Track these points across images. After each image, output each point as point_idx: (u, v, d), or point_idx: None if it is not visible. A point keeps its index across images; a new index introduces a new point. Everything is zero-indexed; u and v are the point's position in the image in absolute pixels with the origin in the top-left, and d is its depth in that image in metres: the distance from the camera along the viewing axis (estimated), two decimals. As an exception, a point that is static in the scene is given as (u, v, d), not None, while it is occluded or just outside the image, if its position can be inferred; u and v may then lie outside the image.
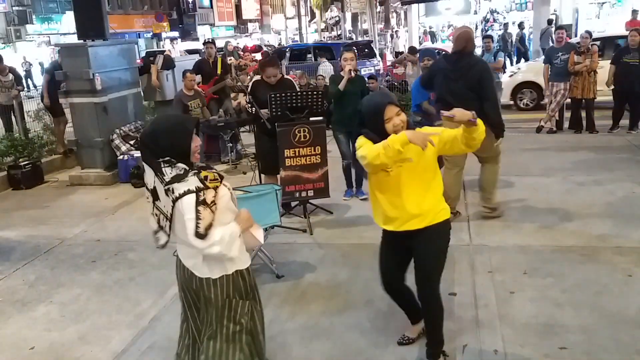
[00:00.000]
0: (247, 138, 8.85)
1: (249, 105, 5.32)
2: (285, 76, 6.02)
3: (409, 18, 25.94)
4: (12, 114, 8.96)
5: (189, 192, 2.32)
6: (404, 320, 3.54)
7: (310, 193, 5.40)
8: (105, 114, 7.29)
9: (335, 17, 32.20)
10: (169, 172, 2.36)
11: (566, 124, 9.03)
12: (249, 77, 11.35)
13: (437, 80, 5.01)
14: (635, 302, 3.59)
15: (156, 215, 2.54)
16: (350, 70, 5.51)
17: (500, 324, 3.43)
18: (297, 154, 5.25)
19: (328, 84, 6.53)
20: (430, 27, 30.60)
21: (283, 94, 5.17)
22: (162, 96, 8.98)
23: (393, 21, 33.81)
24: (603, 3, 22.99)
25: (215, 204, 2.38)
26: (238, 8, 47.54)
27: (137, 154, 7.29)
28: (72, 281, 4.46)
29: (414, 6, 24.76)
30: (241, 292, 2.59)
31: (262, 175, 5.56)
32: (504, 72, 9.25)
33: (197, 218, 2.31)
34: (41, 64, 26.31)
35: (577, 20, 20.75)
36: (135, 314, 3.87)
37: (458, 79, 4.77)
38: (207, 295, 2.60)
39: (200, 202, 2.32)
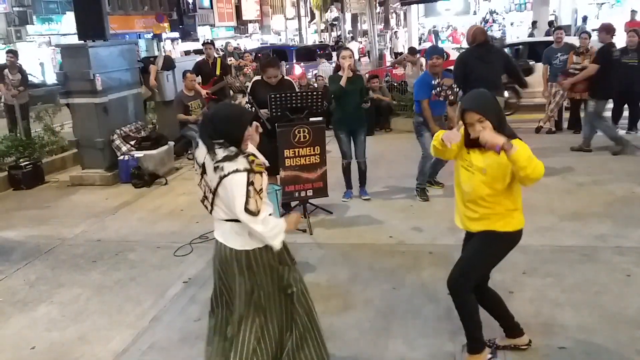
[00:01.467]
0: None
1: (249, 105, 5.32)
2: (285, 77, 6.02)
3: (408, 19, 25.93)
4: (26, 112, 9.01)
5: (237, 171, 2.51)
6: (404, 320, 3.55)
7: (310, 193, 5.41)
8: (106, 114, 7.30)
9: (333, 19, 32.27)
10: (220, 153, 2.56)
11: (565, 125, 9.04)
12: (248, 76, 11.36)
13: (472, 68, 5.77)
14: (634, 302, 3.59)
15: (202, 187, 2.72)
16: (349, 65, 5.53)
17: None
18: (296, 154, 5.26)
19: (327, 84, 6.53)
20: (434, 27, 30.59)
21: (283, 95, 5.18)
22: (160, 97, 8.98)
23: (392, 22, 33.81)
24: (602, 4, 23.01)
25: (262, 190, 2.56)
26: (238, 9, 47.54)
27: (138, 154, 7.31)
28: (73, 281, 4.47)
29: (414, 7, 24.77)
30: (274, 264, 2.71)
31: None
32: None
33: (247, 196, 2.49)
34: (42, 65, 26.32)
35: (576, 20, 20.77)
36: (136, 314, 3.88)
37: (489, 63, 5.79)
38: (238, 266, 2.69)
39: (250, 183, 2.51)
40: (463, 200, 2.96)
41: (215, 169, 2.55)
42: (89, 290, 4.29)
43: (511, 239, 2.98)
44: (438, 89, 5.55)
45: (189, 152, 8.41)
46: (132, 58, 8.06)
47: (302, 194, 5.39)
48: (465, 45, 21.64)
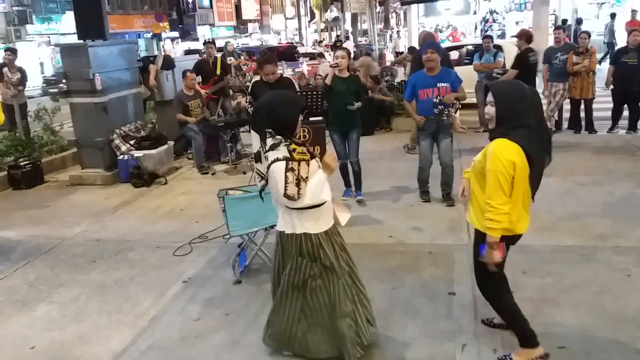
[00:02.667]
0: (247, 138, 8.86)
1: (249, 105, 5.33)
2: (285, 75, 6.02)
3: (408, 18, 25.92)
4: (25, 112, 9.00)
5: (277, 160, 2.77)
6: (404, 320, 3.56)
7: (310, 193, 5.40)
8: (105, 113, 7.29)
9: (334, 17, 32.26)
10: (269, 142, 2.82)
11: (565, 124, 9.04)
12: (247, 76, 11.37)
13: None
14: (634, 301, 3.59)
15: (257, 174, 3.01)
16: (335, 64, 5.52)
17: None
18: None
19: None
20: (437, 25, 30.54)
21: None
22: (160, 96, 8.98)
23: (392, 21, 33.79)
24: (602, 3, 23.01)
25: (307, 178, 2.80)
26: (238, 8, 47.53)
27: (137, 153, 7.30)
28: (72, 281, 4.47)
29: (414, 6, 24.74)
30: (307, 253, 2.93)
31: None
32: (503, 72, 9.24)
33: (285, 182, 2.74)
34: (41, 64, 26.31)
35: (576, 20, 20.75)
36: (135, 313, 3.87)
37: None
38: (285, 246, 3.03)
39: (289, 169, 2.75)
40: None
41: (266, 158, 2.83)
42: (89, 289, 4.29)
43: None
44: (440, 107, 5.38)
45: (189, 151, 8.40)
46: (131, 57, 8.06)
47: (302, 193, 5.38)
48: (464, 44, 21.66)
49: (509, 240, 2.89)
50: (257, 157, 2.93)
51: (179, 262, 4.69)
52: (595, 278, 3.95)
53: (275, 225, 4.40)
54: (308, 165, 2.82)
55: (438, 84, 5.40)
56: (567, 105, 8.95)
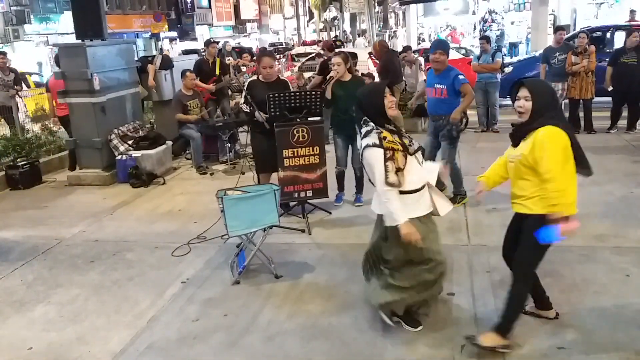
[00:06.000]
0: (245, 138, 8.84)
1: (246, 104, 5.30)
2: (282, 77, 5.98)
3: (407, 18, 25.97)
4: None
5: (367, 146, 3.05)
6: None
7: (309, 193, 5.40)
8: (104, 114, 7.28)
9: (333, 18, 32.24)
10: (363, 130, 3.13)
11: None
12: (246, 76, 11.35)
13: None
14: (633, 302, 3.59)
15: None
16: (332, 76, 5.47)
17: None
18: (295, 154, 5.25)
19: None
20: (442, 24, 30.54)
21: (282, 94, 5.17)
22: (158, 96, 8.96)
23: (391, 21, 33.84)
24: (601, 3, 23.02)
25: (402, 169, 3.01)
26: (236, 8, 47.55)
27: (135, 153, 7.29)
28: (71, 281, 4.45)
29: (412, 6, 24.80)
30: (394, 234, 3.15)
31: (259, 175, 5.56)
32: (503, 72, 9.26)
33: (386, 170, 2.99)
34: (39, 64, 26.26)
35: (575, 20, 20.78)
36: (134, 314, 3.86)
37: None
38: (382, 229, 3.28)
39: (388, 158, 2.99)
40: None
41: (360, 146, 3.13)
42: (87, 290, 4.28)
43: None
44: (450, 127, 5.39)
45: (187, 151, 8.39)
46: (130, 57, 8.04)
47: (302, 194, 5.37)
48: (464, 44, 21.59)
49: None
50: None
51: (177, 262, 4.68)
52: (594, 278, 3.94)
53: (273, 226, 4.44)
54: (405, 157, 3.03)
55: (436, 84, 5.41)
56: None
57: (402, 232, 3.05)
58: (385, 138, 3.01)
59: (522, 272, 3.14)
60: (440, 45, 5.57)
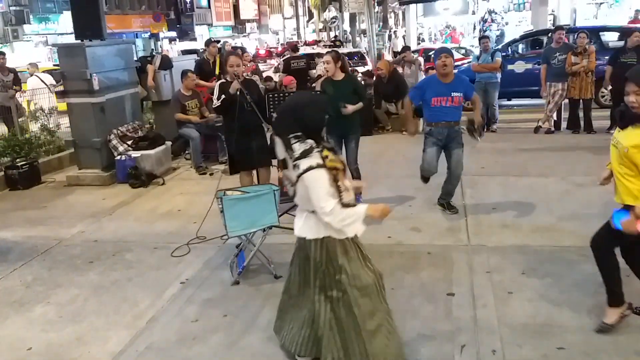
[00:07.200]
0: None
1: (217, 99, 5.20)
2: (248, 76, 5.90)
3: (407, 18, 25.94)
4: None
5: (310, 168, 2.62)
6: (402, 320, 3.54)
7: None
8: (103, 114, 7.27)
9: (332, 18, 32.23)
10: (297, 148, 2.65)
11: (564, 124, 9.04)
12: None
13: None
14: (633, 302, 3.58)
15: (286, 180, 2.85)
16: (320, 75, 5.45)
17: (498, 324, 3.43)
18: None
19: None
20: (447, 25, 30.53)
21: (281, 94, 5.17)
22: (158, 96, 8.95)
23: (391, 21, 33.80)
24: (601, 3, 23.03)
25: (345, 190, 2.70)
26: (236, 8, 47.53)
27: (135, 154, 7.28)
28: (70, 282, 4.45)
29: (412, 6, 24.77)
30: (337, 258, 2.81)
31: (235, 173, 5.49)
32: (502, 71, 9.27)
33: (339, 193, 2.66)
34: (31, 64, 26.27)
35: (575, 20, 20.80)
36: (133, 314, 3.86)
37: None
38: (310, 254, 2.85)
39: (335, 179, 2.64)
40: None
41: (294, 167, 2.66)
42: (86, 290, 4.27)
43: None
44: (474, 130, 5.34)
45: (187, 151, 8.38)
46: (129, 57, 8.04)
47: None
48: (464, 44, 21.60)
49: None
50: (284, 164, 2.77)
51: (176, 263, 4.68)
52: (594, 278, 3.92)
53: (273, 226, 4.43)
54: (335, 172, 2.68)
55: (452, 93, 5.12)
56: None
57: (374, 215, 2.85)
58: (327, 157, 2.67)
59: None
60: (444, 50, 5.40)
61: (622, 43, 9.12)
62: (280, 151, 2.75)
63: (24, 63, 13.60)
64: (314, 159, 2.63)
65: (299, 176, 2.64)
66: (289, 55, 13.71)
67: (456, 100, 5.19)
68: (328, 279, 2.83)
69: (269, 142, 5.17)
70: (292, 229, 5.21)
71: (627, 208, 3.05)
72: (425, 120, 5.45)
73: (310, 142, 2.66)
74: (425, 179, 5.64)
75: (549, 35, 11.69)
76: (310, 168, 2.61)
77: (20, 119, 9.03)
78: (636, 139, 2.96)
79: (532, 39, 12.71)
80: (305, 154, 2.63)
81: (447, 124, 5.22)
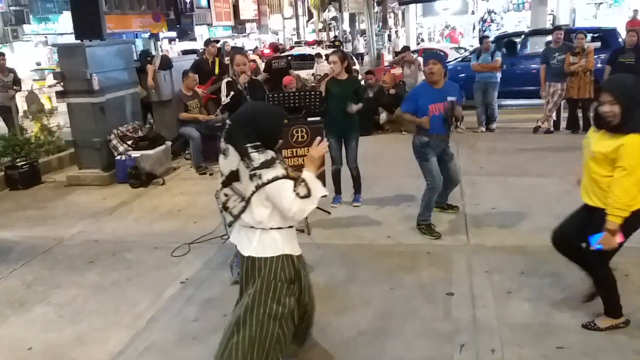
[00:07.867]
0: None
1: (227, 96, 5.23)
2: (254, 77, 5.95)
3: (406, 18, 25.98)
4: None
5: (276, 179, 2.53)
6: (402, 320, 3.55)
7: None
8: (103, 114, 7.27)
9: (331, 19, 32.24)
10: (256, 158, 2.54)
11: (563, 124, 9.05)
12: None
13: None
14: (632, 302, 3.59)
15: (226, 195, 2.69)
16: (326, 74, 5.48)
17: (497, 324, 3.44)
18: (294, 154, 5.25)
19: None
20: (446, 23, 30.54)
21: (281, 94, 5.18)
22: (158, 96, 8.95)
23: (391, 21, 33.85)
24: (600, 3, 23.04)
25: (306, 197, 2.60)
26: (236, 8, 47.55)
27: (135, 154, 7.28)
28: (70, 282, 4.45)
29: (412, 6, 24.81)
30: (286, 277, 2.71)
31: None
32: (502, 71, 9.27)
33: (293, 197, 2.54)
34: (38, 64, 26.28)
35: (575, 20, 20.81)
36: (133, 314, 3.86)
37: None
38: (256, 273, 2.71)
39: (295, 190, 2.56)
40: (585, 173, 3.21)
41: (252, 177, 2.52)
42: (86, 290, 4.27)
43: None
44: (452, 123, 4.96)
45: (187, 151, 8.38)
46: (129, 57, 8.04)
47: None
48: (463, 44, 21.57)
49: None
50: (234, 177, 2.61)
51: (176, 263, 4.68)
52: (593, 278, 3.94)
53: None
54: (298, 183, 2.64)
55: (448, 97, 4.86)
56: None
57: (315, 170, 2.77)
58: (287, 167, 2.64)
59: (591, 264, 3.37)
60: (433, 56, 5.19)
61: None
62: (232, 161, 2.59)
63: (24, 63, 13.59)
64: (279, 170, 2.55)
65: (260, 186, 2.53)
66: (271, 55, 13.90)
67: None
68: (266, 293, 2.68)
69: None
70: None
71: (592, 210, 3.15)
72: (423, 129, 4.94)
73: (270, 152, 2.58)
74: (441, 207, 5.42)
75: (522, 36, 12.09)
76: (276, 178, 2.53)
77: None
78: (604, 147, 2.97)
79: (506, 40, 12.59)
80: (267, 164, 2.53)
81: (445, 137, 4.97)
